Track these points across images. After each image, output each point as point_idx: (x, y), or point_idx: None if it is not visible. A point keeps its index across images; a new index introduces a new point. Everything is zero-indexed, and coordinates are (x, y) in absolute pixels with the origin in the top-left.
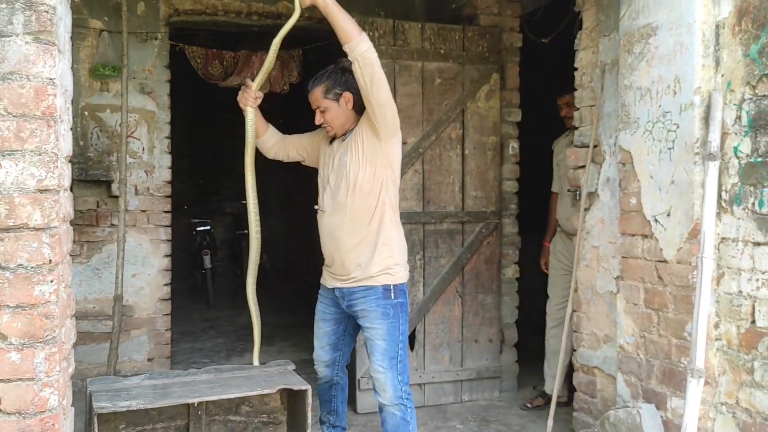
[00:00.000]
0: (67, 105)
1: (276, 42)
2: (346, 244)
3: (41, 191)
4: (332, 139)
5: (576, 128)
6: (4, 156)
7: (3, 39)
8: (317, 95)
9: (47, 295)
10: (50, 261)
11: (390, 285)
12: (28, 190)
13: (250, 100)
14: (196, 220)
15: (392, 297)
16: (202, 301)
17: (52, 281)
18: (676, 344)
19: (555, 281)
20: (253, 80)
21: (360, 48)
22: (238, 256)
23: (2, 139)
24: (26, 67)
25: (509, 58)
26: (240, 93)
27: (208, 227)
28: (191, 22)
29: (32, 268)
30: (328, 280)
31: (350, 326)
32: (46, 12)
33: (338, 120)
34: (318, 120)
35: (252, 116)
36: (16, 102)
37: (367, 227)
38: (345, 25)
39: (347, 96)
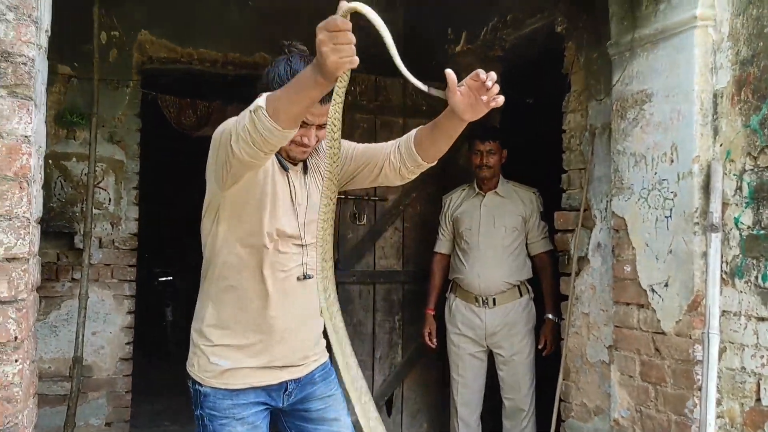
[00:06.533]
0: (40, 163)
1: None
2: (314, 312)
3: (9, 260)
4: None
5: (484, 181)
6: None
7: None
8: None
9: (11, 377)
10: (16, 338)
11: None
12: None
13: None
14: (158, 270)
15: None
16: (159, 355)
17: (16, 361)
18: (676, 421)
19: (464, 367)
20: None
21: None
22: None
23: None
24: None
25: (491, 117)
26: (328, 41)
27: (171, 278)
28: (165, 70)
29: None
30: (262, 376)
31: None
32: (24, 64)
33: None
34: (311, 138)
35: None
36: None
37: None
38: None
39: None
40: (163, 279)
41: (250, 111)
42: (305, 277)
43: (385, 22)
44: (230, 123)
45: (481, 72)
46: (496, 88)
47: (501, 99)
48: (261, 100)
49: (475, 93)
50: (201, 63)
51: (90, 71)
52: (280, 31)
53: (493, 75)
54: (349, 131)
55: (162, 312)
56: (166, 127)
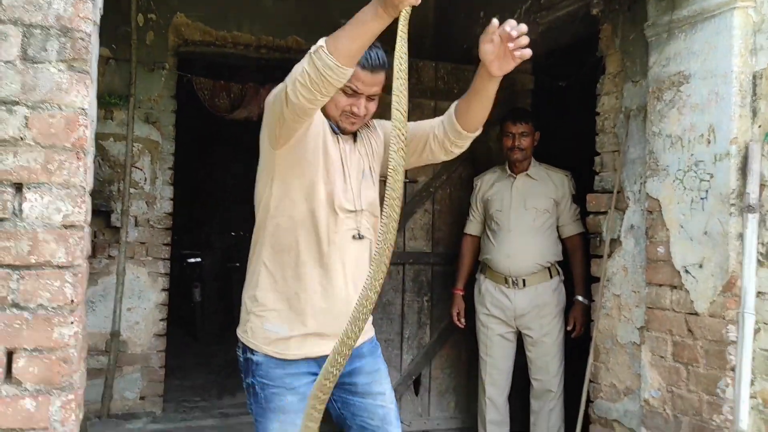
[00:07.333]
0: (92, 135)
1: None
2: (363, 274)
3: (67, 227)
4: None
5: (516, 163)
6: (29, 188)
7: (36, 66)
8: (383, 79)
9: (67, 338)
10: (72, 301)
11: None
12: (53, 226)
13: None
14: (187, 252)
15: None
16: (188, 334)
17: (72, 323)
18: (707, 401)
19: (493, 347)
20: None
21: None
22: (229, 290)
23: (29, 171)
24: (58, 96)
25: (521, 101)
26: None
27: (199, 259)
28: (199, 53)
29: (53, 308)
30: (314, 345)
31: None
32: (82, 39)
33: (368, 120)
34: (360, 108)
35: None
36: (45, 132)
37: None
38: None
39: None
40: (191, 261)
41: (310, 53)
42: (360, 237)
43: (416, 5)
44: (282, 84)
45: (511, 21)
46: (525, 39)
47: (528, 52)
48: (321, 41)
49: (505, 44)
50: (234, 46)
51: (127, 53)
52: (312, 15)
53: (524, 27)
54: (382, 112)
55: (190, 292)
56: (198, 109)
